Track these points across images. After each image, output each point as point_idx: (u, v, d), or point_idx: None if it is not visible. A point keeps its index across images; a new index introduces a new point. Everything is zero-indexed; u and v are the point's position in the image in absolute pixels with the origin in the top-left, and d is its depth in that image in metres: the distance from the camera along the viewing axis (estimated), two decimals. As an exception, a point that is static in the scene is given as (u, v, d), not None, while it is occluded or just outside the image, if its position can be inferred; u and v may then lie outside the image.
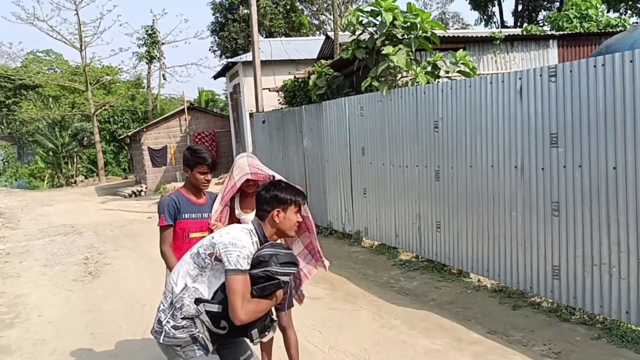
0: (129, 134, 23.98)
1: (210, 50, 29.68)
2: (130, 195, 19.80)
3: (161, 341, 2.60)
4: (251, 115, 12.27)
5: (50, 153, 28.43)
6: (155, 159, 20.71)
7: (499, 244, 5.37)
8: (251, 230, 2.66)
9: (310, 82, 8.74)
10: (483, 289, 5.68)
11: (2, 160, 38.60)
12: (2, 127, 40.10)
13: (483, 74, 5.69)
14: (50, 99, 32.02)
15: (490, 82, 5.30)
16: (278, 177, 3.61)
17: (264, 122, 11.15)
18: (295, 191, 2.81)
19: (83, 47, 27.53)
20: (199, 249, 2.63)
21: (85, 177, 29.08)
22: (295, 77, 10.00)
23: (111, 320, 5.67)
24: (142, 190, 20.07)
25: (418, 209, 6.65)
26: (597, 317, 4.54)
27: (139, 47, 29.19)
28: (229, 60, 19.13)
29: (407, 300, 5.61)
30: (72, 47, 27.47)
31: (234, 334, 2.64)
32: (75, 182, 27.82)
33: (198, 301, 2.55)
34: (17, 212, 17.06)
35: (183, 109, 20.91)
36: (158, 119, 22.20)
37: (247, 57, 16.26)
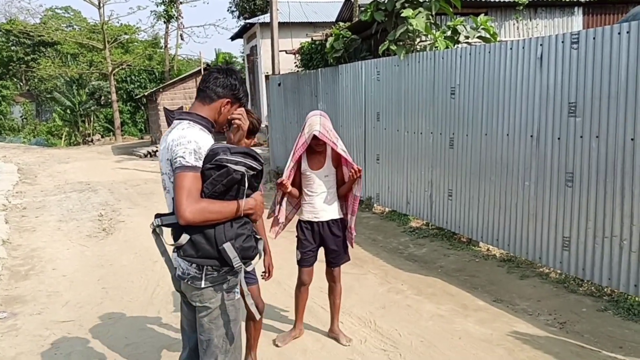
0: (145, 93, 23.98)
1: (228, 10, 29.35)
2: (145, 155, 19.93)
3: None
4: (267, 77, 12.16)
5: (68, 111, 28.57)
6: (170, 120, 20.72)
7: (510, 214, 5.33)
8: (191, 123, 2.34)
9: (328, 45, 8.60)
10: (492, 258, 5.67)
11: (21, 116, 38.99)
12: (21, 84, 40.38)
13: (504, 41, 5.54)
14: (68, 57, 32.03)
15: (510, 49, 5.17)
16: (341, 146, 3.68)
17: (279, 84, 11.06)
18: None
19: (101, 4, 27.32)
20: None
21: (102, 136, 29.27)
22: (312, 39, 9.85)
23: (124, 275, 5.78)
24: (157, 151, 20.17)
25: (430, 177, 6.61)
26: (605, 290, 4.52)
27: (157, 6, 28.94)
28: (247, 21, 18.89)
29: (415, 267, 5.63)
30: (91, 4, 27.26)
31: (202, 248, 2.23)
32: (92, 140, 28.03)
33: (156, 217, 2.32)
34: (35, 168, 17.29)
35: (199, 70, 20.79)
36: (174, 80, 22.15)
37: (265, 18, 16.05)
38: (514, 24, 9.61)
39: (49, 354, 4.01)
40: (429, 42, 6.86)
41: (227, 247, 2.22)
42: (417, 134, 6.80)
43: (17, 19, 33.33)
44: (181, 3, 29.01)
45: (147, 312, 4.75)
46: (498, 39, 6.90)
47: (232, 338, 2.42)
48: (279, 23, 12.43)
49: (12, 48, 39.11)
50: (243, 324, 4.01)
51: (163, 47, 32.38)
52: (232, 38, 20.86)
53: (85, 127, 29.05)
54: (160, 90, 21.04)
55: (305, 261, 3.95)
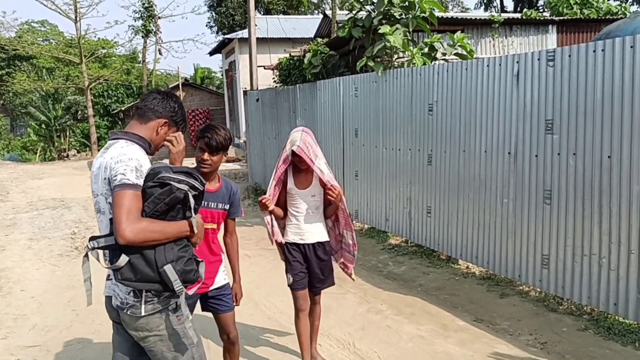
0: (122, 108, 23.70)
1: (207, 26, 29.29)
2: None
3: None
4: (245, 93, 12.09)
5: (43, 126, 28.07)
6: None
7: (489, 231, 5.29)
8: (128, 142, 2.29)
9: (306, 61, 8.58)
10: (471, 276, 5.62)
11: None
12: (-4, 98, 39.70)
13: (480, 58, 5.56)
14: (44, 71, 31.56)
15: (487, 65, 5.17)
16: (319, 164, 3.53)
17: (257, 100, 10.99)
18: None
19: (78, 19, 26.99)
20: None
21: (78, 151, 28.78)
22: (290, 55, 9.82)
23: (95, 297, 5.58)
24: (134, 166, 19.94)
25: (409, 193, 6.56)
26: (585, 308, 4.50)
27: (135, 20, 28.71)
28: (225, 36, 18.84)
29: (394, 285, 5.56)
30: (67, 18, 26.95)
31: (141, 272, 2.10)
32: (67, 156, 27.54)
33: (91, 239, 2.19)
34: (7, 184, 16.86)
35: (177, 85, 20.66)
36: (152, 95, 21.95)
37: (244, 33, 16.02)
38: (490, 41, 9.72)
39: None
40: (406, 59, 6.86)
41: (168, 269, 2.11)
42: (395, 151, 6.77)
43: (-8, 33, 32.77)
44: (159, 18, 28.84)
45: (118, 336, 4.57)
46: (475, 56, 6.94)
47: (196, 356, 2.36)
48: (258, 39, 12.39)
49: (-16, 62, 38.47)
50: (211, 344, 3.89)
51: (141, 62, 32.13)
52: (211, 53, 20.78)
53: (61, 142, 28.56)
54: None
55: (298, 284, 3.72)
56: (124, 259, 2.09)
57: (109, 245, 2.14)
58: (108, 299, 2.40)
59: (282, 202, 3.70)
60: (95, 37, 32.29)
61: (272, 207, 3.57)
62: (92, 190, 2.35)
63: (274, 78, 11.42)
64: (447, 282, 5.55)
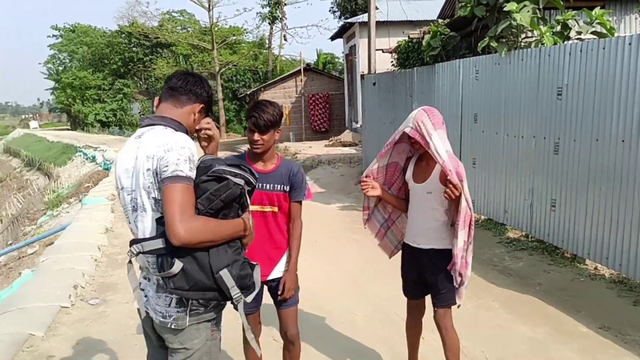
0: (248, 92, 24.79)
1: (330, 10, 29.51)
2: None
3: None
4: (362, 77, 11.98)
5: (178, 108, 30.28)
6: (270, 118, 21.25)
7: (623, 229, 4.72)
8: (167, 128, 2.03)
9: (424, 43, 8.25)
10: (600, 279, 5.08)
11: (139, 113, 42.07)
12: (140, 82, 43.51)
13: (622, 37, 4.93)
14: (180, 57, 33.97)
15: (630, 44, 4.57)
16: (436, 146, 2.77)
17: (374, 84, 10.84)
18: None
19: (211, 7, 28.62)
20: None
21: (208, 133, 30.70)
22: (409, 37, 9.53)
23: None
24: (256, 148, 20.79)
25: (532, 184, 6.08)
26: None
27: (263, 7, 29.85)
28: (346, 20, 18.83)
29: (509, 282, 5.18)
30: (201, 7, 28.68)
31: (195, 279, 1.87)
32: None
33: (132, 243, 1.94)
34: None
35: (299, 70, 21.11)
36: (275, 79, 22.69)
37: (364, 17, 15.85)
38: (635, 18, 8.65)
39: (129, 343, 4.12)
40: (534, 39, 6.31)
41: (224, 274, 1.88)
42: (517, 138, 6.29)
43: (137, 22, 35.85)
44: (285, 5, 29.68)
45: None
46: (615, 34, 6.20)
47: None
48: (378, 22, 12.22)
49: (134, 49, 42.28)
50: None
51: (267, 48, 33.34)
52: (332, 38, 20.93)
53: (193, 124, 30.65)
54: (262, 89, 21.64)
55: (407, 291, 3.32)
56: (178, 265, 1.84)
57: (156, 249, 1.89)
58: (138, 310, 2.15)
59: (403, 192, 3.21)
60: (225, 24, 33.99)
61: (374, 192, 3.11)
62: (122, 187, 2.05)
63: (392, 61, 11.18)
64: (571, 283, 5.06)
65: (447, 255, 2.95)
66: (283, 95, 21.22)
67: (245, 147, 21.11)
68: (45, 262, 5.82)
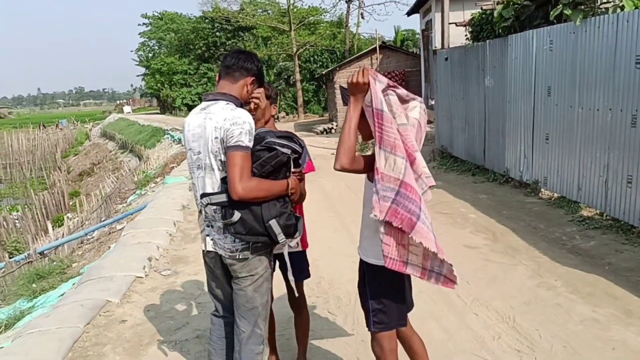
0: (323, 72, 24.87)
1: (408, -15, 28.71)
2: (322, 132, 20.77)
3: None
4: (434, 52, 11.68)
5: (258, 90, 30.98)
6: (345, 97, 21.09)
7: (703, 208, 4.38)
8: (230, 104, 2.47)
9: (495, 14, 7.92)
10: (677, 259, 4.75)
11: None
12: (224, 66, 44.91)
13: None
14: (259, 40, 34.62)
15: None
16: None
17: (446, 59, 10.55)
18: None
19: (288, -13, 28.84)
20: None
21: (287, 114, 31.23)
22: (482, 8, 9.16)
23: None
24: (332, 128, 20.89)
25: (607, 160, 5.74)
26: None
27: (340, -14, 29.64)
28: (422, -5, 18.32)
29: (576, 261, 4.97)
30: (278, -12, 28.98)
31: (250, 226, 2.34)
32: (277, 118, 30.05)
33: (202, 196, 2.42)
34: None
35: (375, 48, 20.87)
36: (350, 58, 22.58)
37: (440, -10, 15.35)
38: None
39: (193, 310, 4.41)
40: (612, 4, 5.89)
41: (273, 224, 2.35)
42: (592, 111, 5.94)
43: (219, 7, 36.86)
44: (362, -18, 29.28)
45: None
46: None
47: (269, 306, 2.66)
48: (454, -6, 11.81)
49: (217, 34, 43.60)
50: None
51: (345, 27, 33.17)
52: (408, 13, 20.41)
53: (273, 105, 31.24)
54: (337, 68, 21.63)
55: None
56: (237, 215, 2.32)
57: (220, 202, 2.37)
58: (207, 252, 2.59)
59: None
60: (302, 3, 34.16)
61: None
62: (190, 148, 2.49)
63: (466, 35, 10.80)
64: (644, 263, 4.77)
65: (379, 272, 2.44)
66: (358, 74, 21.14)
67: (320, 128, 21.31)
68: (126, 236, 6.28)
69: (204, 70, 43.89)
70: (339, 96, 21.35)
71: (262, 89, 2.63)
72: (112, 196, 15.81)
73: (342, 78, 21.24)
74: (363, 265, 2.59)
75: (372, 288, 2.50)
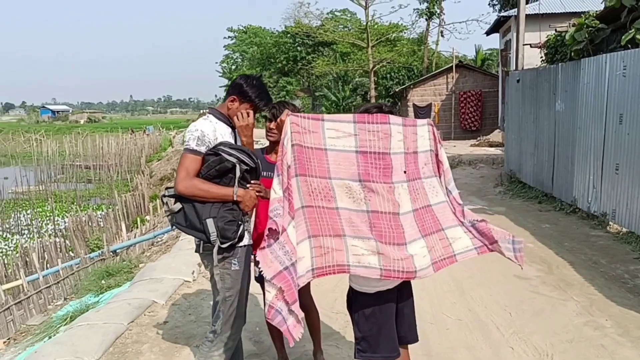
0: (397, 90, 24.81)
1: (489, 4, 28.20)
2: (392, 149, 20.68)
3: None
4: (507, 73, 11.38)
5: (333, 105, 31.36)
6: (419, 116, 21.06)
7: None
8: (209, 116, 2.80)
9: (567, 37, 7.63)
10: None
11: (300, 109, 44.30)
12: (302, 80, 45.83)
13: None
14: (337, 55, 35.05)
15: None
16: None
17: (518, 81, 10.24)
18: (264, 97, 2.84)
19: (367, 5, 29.09)
20: None
21: (360, 129, 31.28)
22: (556, 30, 8.85)
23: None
24: (403, 145, 20.75)
25: (678, 195, 5.35)
26: None
27: (420, 4, 29.54)
28: (501, 14, 17.91)
29: (634, 302, 4.66)
30: (358, 5, 29.28)
31: (191, 221, 2.61)
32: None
33: (167, 188, 2.75)
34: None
35: (451, 67, 20.59)
36: (426, 76, 22.42)
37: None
38: None
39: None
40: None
41: (209, 222, 2.58)
42: (665, 142, 5.58)
43: (301, 22, 37.76)
44: (443, 0, 29.01)
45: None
46: None
47: (230, 304, 2.76)
48: (536, 15, 11.49)
49: (298, 48, 44.66)
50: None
51: (424, 45, 32.95)
52: (487, 33, 20.00)
53: (347, 120, 31.44)
54: (411, 86, 21.52)
55: None
56: (177, 206, 2.63)
57: (174, 195, 2.67)
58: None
59: None
60: (381, 21, 34.24)
61: None
62: None
63: (541, 57, 10.45)
64: None
65: (361, 299, 2.47)
66: (433, 93, 20.89)
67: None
68: (182, 241, 6.58)
69: (282, 84, 44.99)
70: (411, 114, 21.22)
71: (248, 109, 2.81)
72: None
73: (415, 96, 21.12)
74: (350, 288, 2.56)
75: (356, 314, 2.46)
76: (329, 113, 32.73)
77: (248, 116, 2.81)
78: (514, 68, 11.56)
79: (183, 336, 4.15)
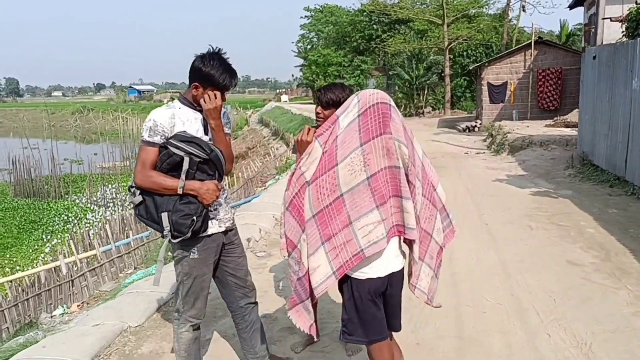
0: (470, 68, 23.95)
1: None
2: (464, 130, 20.09)
3: None
4: (583, 49, 10.69)
5: (406, 84, 30.77)
6: (493, 95, 20.29)
7: None
8: (172, 103, 2.77)
9: (645, 9, 7.06)
10: None
11: (374, 88, 43.88)
12: (378, 59, 45.28)
13: None
14: (411, 33, 34.28)
15: None
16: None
17: (594, 57, 9.61)
18: (227, 75, 2.69)
19: (444, -20, 28.14)
20: None
21: (433, 109, 30.61)
22: (637, 2, 8.20)
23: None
24: (475, 126, 20.10)
25: None
26: None
27: (500, -23, 28.11)
28: (586, -14, 16.74)
29: (696, 294, 4.35)
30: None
31: (150, 213, 2.64)
32: (422, 113, 29.64)
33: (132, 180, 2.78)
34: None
35: (529, 44, 19.58)
36: (501, 54, 21.45)
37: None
38: None
39: (275, 291, 4.72)
40: None
41: (164, 216, 2.60)
42: None
43: (378, 0, 37.13)
44: (526, -28, 27.48)
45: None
46: None
47: (188, 287, 2.83)
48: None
49: (373, 26, 44.12)
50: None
51: (505, 21, 31.45)
52: (571, 7, 18.75)
53: (420, 99, 30.83)
54: (486, 64, 20.70)
55: None
56: (138, 198, 2.65)
57: (137, 187, 2.68)
58: None
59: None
60: (460, -4, 33.03)
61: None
62: None
63: (623, 32, 9.74)
64: None
65: (345, 283, 2.48)
66: (509, 71, 19.96)
67: (463, 125, 20.61)
68: (237, 217, 6.83)
69: (357, 63, 44.73)
70: (485, 93, 20.47)
71: (211, 92, 2.67)
72: (254, 179, 17.02)
73: (490, 74, 20.32)
74: None
75: (345, 297, 2.48)
76: (401, 92, 32.26)
77: (215, 97, 2.67)
78: (594, 43, 10.85)
79: (221, 307, 4.33)
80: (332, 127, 2.33)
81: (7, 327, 7.11)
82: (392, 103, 2.34)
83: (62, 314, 5.73)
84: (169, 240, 2.64)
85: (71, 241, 10.87)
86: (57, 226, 16.38)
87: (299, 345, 3.69)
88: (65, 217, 17.44)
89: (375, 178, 2.27)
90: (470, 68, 24.41)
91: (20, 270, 11.64)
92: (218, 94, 2.68)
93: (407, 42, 32.31)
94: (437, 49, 31.13)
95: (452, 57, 30.10)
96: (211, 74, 2.63)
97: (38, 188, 21.71)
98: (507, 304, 4.32)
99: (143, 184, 2.63)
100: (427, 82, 30.64)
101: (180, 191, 2.60)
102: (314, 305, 3.30)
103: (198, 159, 2.62)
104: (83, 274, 7.68)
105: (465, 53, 30.95)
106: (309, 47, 54.13)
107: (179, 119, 2.68)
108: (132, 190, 2.69)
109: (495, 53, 28.90)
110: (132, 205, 2.77)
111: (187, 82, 2.74)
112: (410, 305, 4.29)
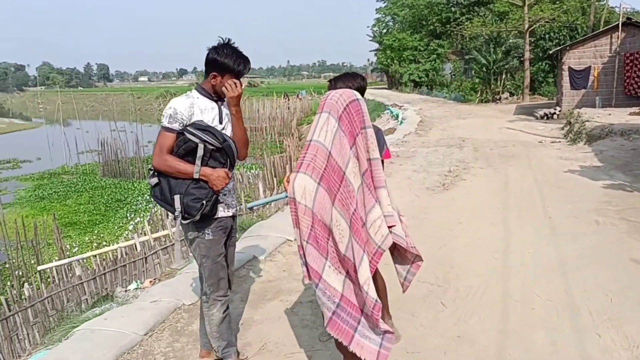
0: (550, 52, 22.79)
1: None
2: (542, 117, 19.22)
3: None
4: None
5: (483, 69, 29.74)
6: (574, 81, 19.26)
7: None
8: (191, 92, 2.94)
9: None
10: None
11: (450, 73, 42.83)
12: (455, 42, 44.01)
13: None
14: (490, 15, 32.95)
15: None
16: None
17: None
18: (241, 62, 2.87)
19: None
20: None
21: (511, 95, 29.45)
22: None
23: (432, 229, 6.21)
24: (554, 113, 19.19)
25: None
26: None
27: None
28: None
29: None
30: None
31: (165, 195, 2.85)
32: (499, 98, 28.60)
33: None
34: (435, 121, 19.13)
35: (616, 25, 18.37)
36: (585, 37, 20.26)
37: None
38: None
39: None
40: None
41: (176, 198, 2.79)
42: None
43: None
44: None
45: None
46: None
47: (209, 268, 3.00)
48: None
49: (451, 9, 42.91)
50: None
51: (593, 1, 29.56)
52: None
53: (497, 85, 29.74)
54: (567, 48, 19.65)
55: None
56: (154, 180, 2.87)
57: (154, 169, 2.90)
58: None
59: None
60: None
61: None
62: None
63: None
64: None
65: None
66: (593, 54, 18.83)
67: (541, 112, 19.71)
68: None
69: (434, 47, 43.75)
70: (566, 78, 19.48)
71: (232, 80, 2.86)
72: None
73: (572, 59, 19.30)
74: None
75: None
76: (478, 77, 31.20)
77: (236, 86, 2.88)
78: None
79: (272, 290, 4.58)
80: (315, 154, 2.45)
81: (86, 299, 7.79)
82: (358, 95, 2.55)
83: (136, 288, 6.23)
84: (180, 222, 2.89)
85: (146, 221, 11.59)
86: (140, 205, 17.45)
87: (326, 335, 3.81)
88: (148, 197, 18.56)
89: (366, 175, 2.53)
90: (551, 52, 23.22)
91: (106, 245, 12.59)
92: (238, 82, 2.90)
93: (485, 25, 31.16)
94: (517, 32, 29.82)
95: (533, 40, 28.73)
96: (226, 62, 2.84)
97: (124, 169, 23.22)
98: (558, 300, 4.24)
99: (159, 166, 2.84)
100: (506, 66, 29.46)
101: (196, 176, 2.80)
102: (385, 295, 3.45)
103: (212, 147, 2.82)
104: (156, 252, 8.23)
105: (547, 36, 29.44)
106: (384, 31, 53.48)
107: (197, 108, 2.88)
108: (151, 172, 2.92)
109: (581, 35, 27.28)
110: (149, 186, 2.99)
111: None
112: (458, 297, 4.35)
